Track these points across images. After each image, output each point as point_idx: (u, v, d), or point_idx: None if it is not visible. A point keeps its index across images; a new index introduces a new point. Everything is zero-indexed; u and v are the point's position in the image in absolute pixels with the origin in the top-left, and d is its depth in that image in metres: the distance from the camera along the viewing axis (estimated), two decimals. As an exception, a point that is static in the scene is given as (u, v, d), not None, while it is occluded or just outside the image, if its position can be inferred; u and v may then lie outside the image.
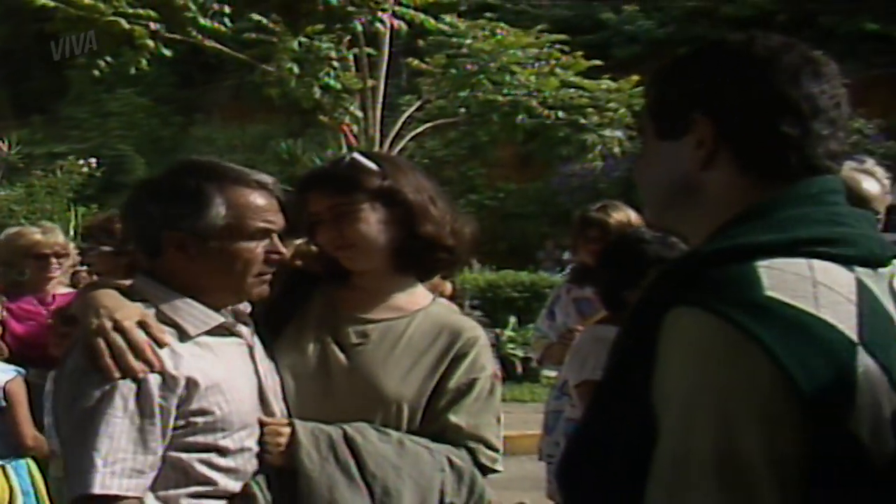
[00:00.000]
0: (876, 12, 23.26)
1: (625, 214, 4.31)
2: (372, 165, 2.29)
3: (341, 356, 2.27)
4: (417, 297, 2.39)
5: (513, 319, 12.75)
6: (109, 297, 2.04)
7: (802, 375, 1.19)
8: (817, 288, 1.25)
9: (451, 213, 2.37)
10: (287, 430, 2.16)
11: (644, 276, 2.93)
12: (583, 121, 12.77)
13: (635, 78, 12.77)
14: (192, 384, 1.98)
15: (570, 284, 4.67)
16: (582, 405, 3.35)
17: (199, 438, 2.01)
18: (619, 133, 12.95)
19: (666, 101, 1.45)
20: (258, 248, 2.11)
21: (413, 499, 2.18)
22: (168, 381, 1.95)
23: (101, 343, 1.93)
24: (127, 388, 1.91)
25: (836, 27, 21.57)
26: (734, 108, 1.36)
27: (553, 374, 5.49)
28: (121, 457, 1.90)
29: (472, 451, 2.30)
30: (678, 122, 1.40)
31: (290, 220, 2.21)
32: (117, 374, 1.91)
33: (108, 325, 1.95)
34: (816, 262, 1.28)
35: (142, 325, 1.97)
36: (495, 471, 2.35)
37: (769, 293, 1.23)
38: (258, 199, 2.12)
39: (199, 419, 2.00)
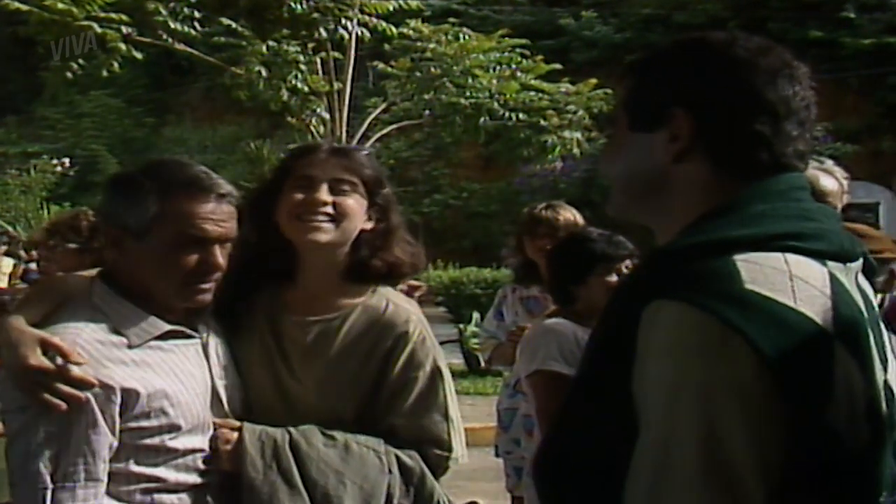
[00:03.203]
0: (822, 20, 23.81)
1: (571, 214, 4.42)
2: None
3: (279, 358, 2.26)
4: (356, 293, 2.32)
5: (476, 315, 12.82)
6: (15, 331, 1.95)
7: (784, 368, 1.18)
8: (794, 281, 1.25)
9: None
10: (234, 435, 2.13)
11: (591, 272, 3.26)
12: (543, 123, 12.67)
13: (593, 81, 12.75)
14: (131, 393, 1.94)
15: (515, 284, 4.69)
16: (534, 395, 3.41)
17: (146, 441, 1.98)
18: (577, 134, 12.68)
19: (644, 93, 1.44)
20: (188, 255, 2.03)
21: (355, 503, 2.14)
22: (105, 393, 1.91)
23: (30, 381, 1.89)
24: (65, 409, 1.87)
25: (785, 34, 21.87)
26: (714, 105, 1.36)
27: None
28: (71, 471, 1.87)
29: (419, 452, 2.25)
30: (655, 114, 1.39)
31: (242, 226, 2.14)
32: (63, 406, 1.86)
33: (31, 363, 1.89)
34: (791, 256, 1.28)
35: (49, 350, 1.91)
36: (447, 468, 2.30)
37: (749, 286, 1.22)
38: (198, 205, 2.03)
39: (144, 423, 1.97)
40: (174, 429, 2.01)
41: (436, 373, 2.29)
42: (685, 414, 1.19)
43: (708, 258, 1.27)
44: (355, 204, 2.26)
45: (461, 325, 13.29)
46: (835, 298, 1.27)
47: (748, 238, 1.29)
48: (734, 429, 1.17)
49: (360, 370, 2.25)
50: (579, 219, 4.44)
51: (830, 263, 1.31)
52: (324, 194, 2.22)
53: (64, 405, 1.86)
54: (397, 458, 2.21)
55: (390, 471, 2.20)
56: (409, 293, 7.58)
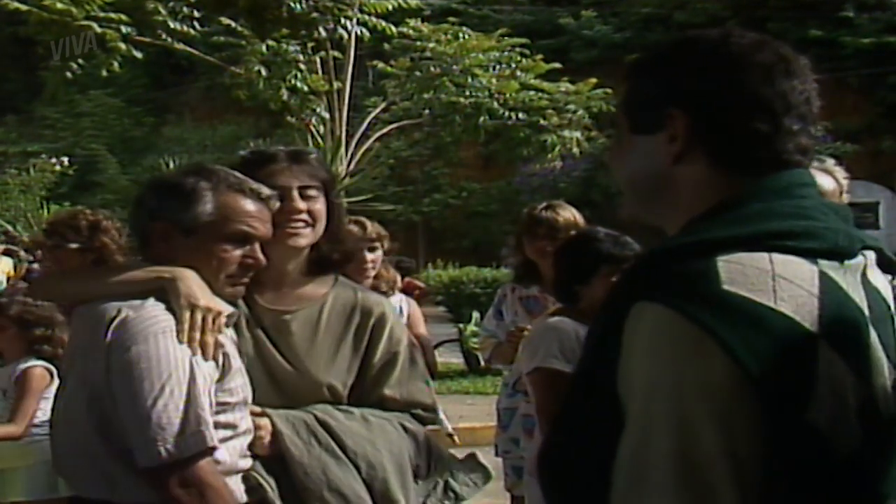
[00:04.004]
0: (821, 19, 23.85)
1: (571, 214, 4.39)
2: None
3: (271, 347, 2.37)
4: (321, 283, 2.50)
5: (476, 315, 12.67)
6: (203, 284, 2.13)
7: (758, 368, 1.18)
8: (777, 281, 1.24)
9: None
10: (264, 420, 2.24)
11: (596, 272, 3.26)
12: (542, 122, 12.61)
13: (593, 80, 12.71)
14: (227, 364, 2.11)
15: (514, 284, 4.67)
16: (534, 393, 3.43)
17: (221, 417, 2.09)
18: (577, 134, 12.65)
19: (641, 96, 1.44)
20: (236, 250, 2.18)
21: (393, 468, 2.30)
22: (219, 361, 2.09)
23: (200, 320, 2.05)
24: (198, 361, 2.03)
25: (784, 33, 21.96)
26: (710, 104, 1.35)
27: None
28: (209, 415, 2.01)
29: (414, 416, 2.45)
30: (653, 117, 1.39)
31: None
32: (198, 349, 2.04)
33: (214, 308, 2.08)
34: (777, 256, 1.26)
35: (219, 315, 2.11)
36: (435, 424, 2.57)
37: (726, 287, 1.22)
38: (247, 205, 2.20)
39: (226, 398, 2.10)
40: (244, 406, 2.16)
41: (411, 345, 2.53)
42: (659, 415, 1.21)
43: (692, 259, 1.27)
44: (322, 207, 2.42)
45: (461, 325, 13.29)
46: (823, 297, 1.26)
47: (736, 238, 1.28)
48: (706, 429, 1.18)
49: (352, 351, 2.42)
50: (579, 219, 4.42)
51: (823, 262, 1.29)
52: (298, 202, 2.37)
53: (199, 349, 2.03)
54: (402, 423, 2.40)
55: (403, 436, 2.38)
56: (409, 291, 7.59)
